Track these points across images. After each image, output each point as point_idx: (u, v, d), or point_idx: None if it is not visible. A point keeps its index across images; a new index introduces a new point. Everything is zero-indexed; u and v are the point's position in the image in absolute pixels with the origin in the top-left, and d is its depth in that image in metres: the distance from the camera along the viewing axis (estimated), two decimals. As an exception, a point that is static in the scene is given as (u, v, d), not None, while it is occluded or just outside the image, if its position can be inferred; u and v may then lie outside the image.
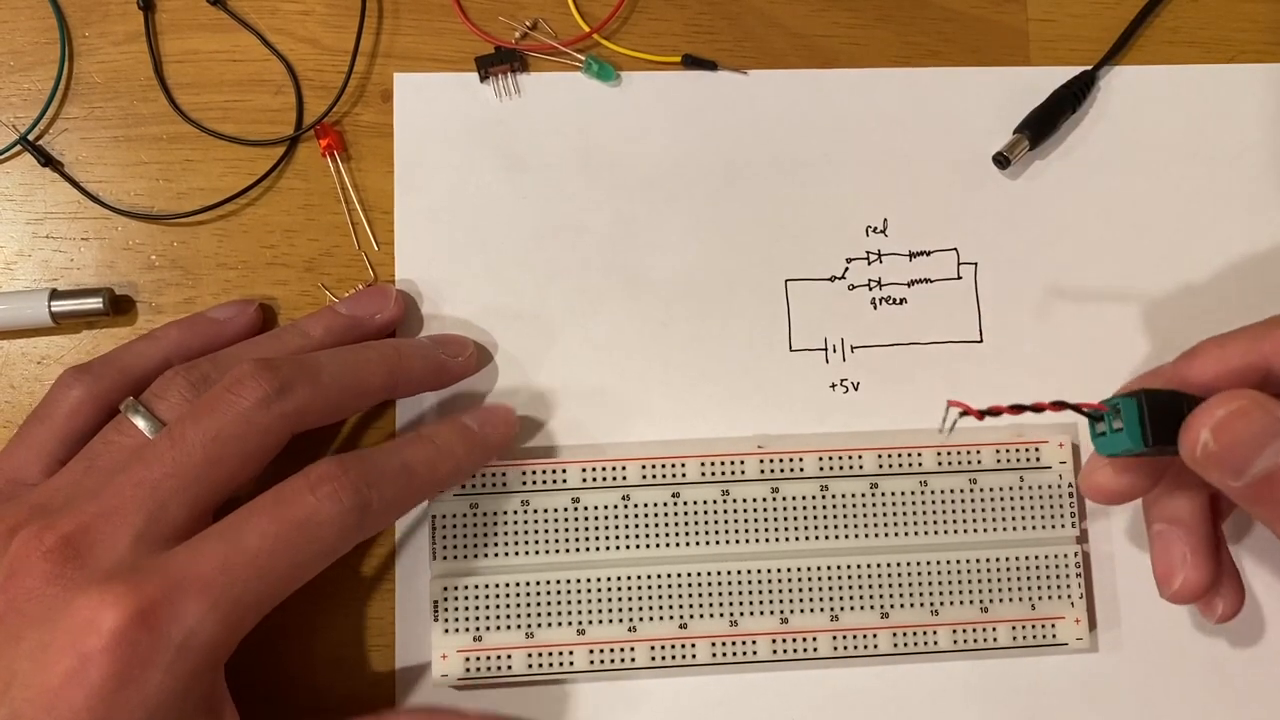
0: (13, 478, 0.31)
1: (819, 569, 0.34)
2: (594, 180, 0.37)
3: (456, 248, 0.37)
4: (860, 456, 0.35)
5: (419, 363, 0.33)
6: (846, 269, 0.37)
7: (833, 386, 0.37)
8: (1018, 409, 0.27)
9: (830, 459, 0.35)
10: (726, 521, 0.34)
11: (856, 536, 0.35)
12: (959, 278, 0.37)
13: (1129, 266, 0.38)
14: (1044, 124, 0.38)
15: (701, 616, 0.34)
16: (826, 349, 0.37)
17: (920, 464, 0.35)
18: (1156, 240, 0.38)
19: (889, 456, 0.35)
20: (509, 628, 0.33)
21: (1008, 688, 0.35)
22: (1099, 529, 0.36)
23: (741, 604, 0.34)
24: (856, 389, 0.37)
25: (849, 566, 0.34)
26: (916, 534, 0.35)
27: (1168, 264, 0.38)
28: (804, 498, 0.35)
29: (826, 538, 0.34)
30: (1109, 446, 0.28)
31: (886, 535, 0.35)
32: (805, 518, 0.34)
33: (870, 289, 0.37)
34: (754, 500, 0.34)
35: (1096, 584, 0.36)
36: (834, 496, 0.35)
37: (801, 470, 0.35)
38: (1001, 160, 0.37)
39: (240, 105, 0.37)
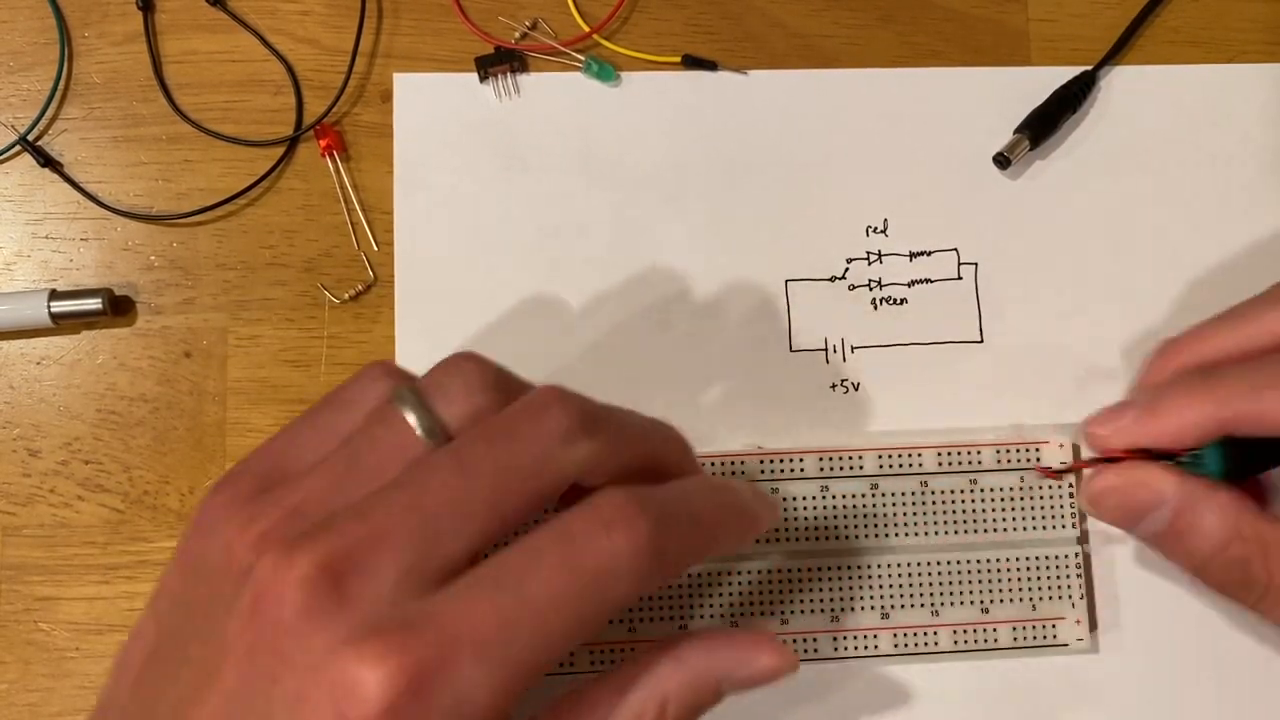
0: (280, 464, 0.27)
1: (819, 570, 0.34)
2: (594, 181, 0.37)
3: (456, 248, 0.37)
4: (860, 457, 0.35)
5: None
6: (847, 269, 0.37)
7: (833, 387, 0.37)
8: (1094, 462, 0.32)
9: (830, 459, 0.35)
10: None
11: (857, 537, 0.34)
12: (959, 278, 0.37)
13: (1129, 266, 0.38)
14: (1044, 124, 0.38)
15: (701, 618, 0.34)
16: (827, 349, 0.37)
17: (921, 464, 0.35)
18: (1157, 240, 0.38)
19: (889, 457, 0.35)
20: None
21: (1009, 689, 0.35)
22: (1100, 530, 0.36)
23: (741, 606, 0.34)
24: (857, 389, 0.37)
25: (849, 567, 0.34)
26: (917, 535, 0.35)
27: (1168, 264, 0.38)
28: (804, 498, 0.34)
29: (827, 538, 0.34)
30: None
31: (887, 536, 0.35)
32: (805, 518, 0.34)
33: (871, 289, 0.37)
34: None
35: (1097, 585, 0.36)
36: (834, 497, 0.35)
37: (802, 471, 0.35)
38: (1002, 160, 0.37)
39: (240, 105, 0.37)
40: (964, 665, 0.35)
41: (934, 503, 0.35)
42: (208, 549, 0.25)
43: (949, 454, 0.35)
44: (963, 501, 0.35)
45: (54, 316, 0.35)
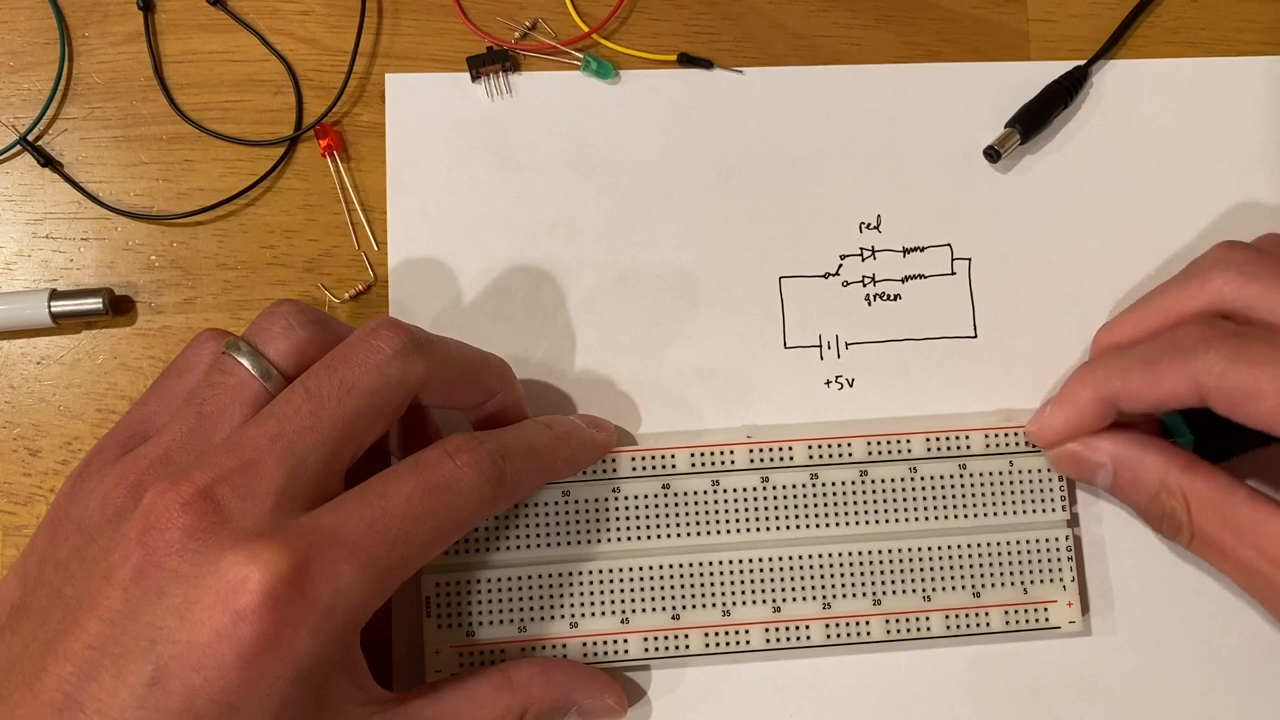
0: (139, 430, 0.30)
1: (810, 557, 0.34)
2: (587, 178, 0.37)
3: (449, 247, 0.37)
4: (850, 444, 0.35)
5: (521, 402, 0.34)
6: (840, 265, 0.37)
7: (827, 383, 0.37)
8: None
9: (820, 447, 0.35)
10: (717, 512, 0.34)
11: (847, 524, 0.35)
12: (953, 273, 0.38)
13: (1122, 260, 0.38)
14: (1036, 118, 0.38)
15: (694, 607, 0.34)
16: (821, 346, 0.37)
17: (910, 450, 0.35)
18: (1149, 233, 0.38)
19: (878, 444, 0.35)
20: (501, 622, 0.33)
21: (1002, 674, 0.35)
22: (1090, 513, 0.36)
23: (734, 594, 0.34)
24: (851, 385, 0.37)
25: (840, 554, 0.34)
26: (907, 520, 0.35)
27: (1161, 257, 0.38)
28: (794, 486, 0.35)
29: (817, 526, 0.35)
30: None
31: (877, 522, 0.35)
32: (796, 506, 0.35)
33: (864, 285, 0.37)
34: (744, 490, 0.35)
35: (1088, 568, 0.36)
36: (824, 485, 0.35)
37: (791, 459, 0.35)
38: (992, 154, 0.38)
39: (240, 105, 0.38)
40: (957, 651, 0.35)
41: (924, 488, 0.35)
42: (80, 506, 0.28)
43: (937, 440, 0.35)
44: (952, 487, 0.35)
45: (54, 316, 0.35)
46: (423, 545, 0.28)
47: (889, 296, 0.37)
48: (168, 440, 0.28)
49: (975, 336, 0.37)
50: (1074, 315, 0.38)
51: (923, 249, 0.38)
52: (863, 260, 0.38)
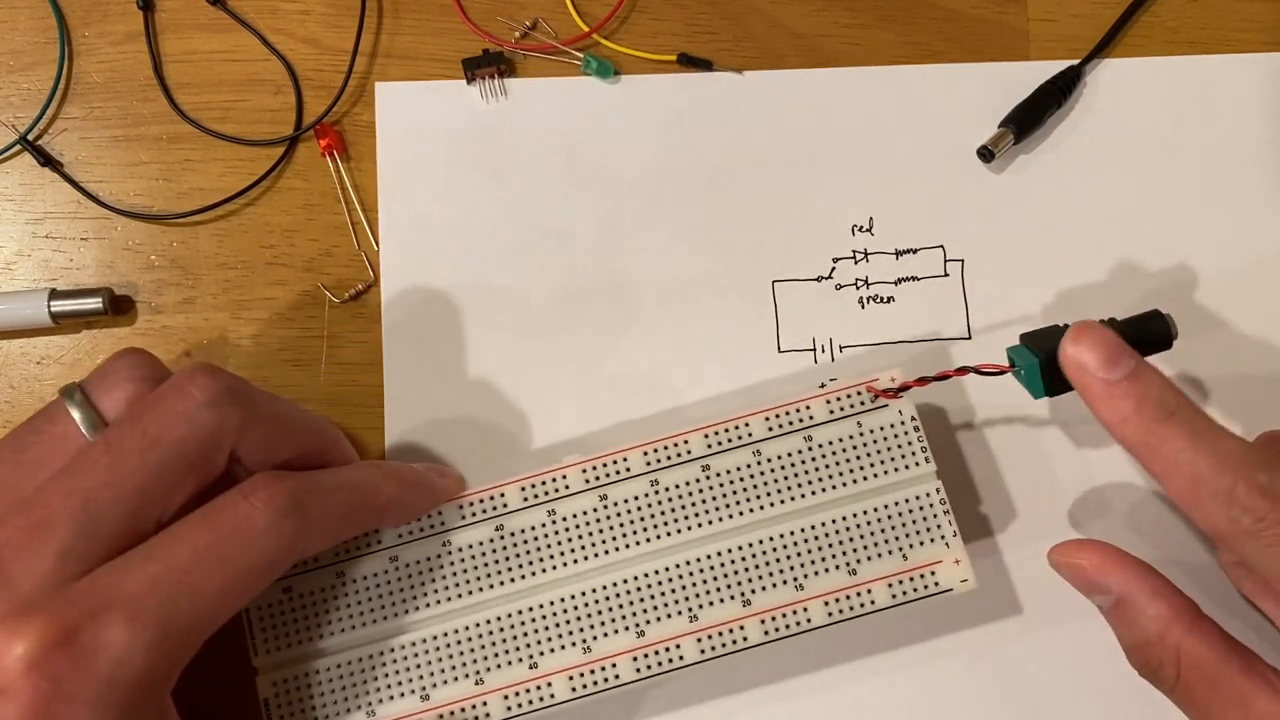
0: None
1: (665, 570, 0.32)
2: (580, 184, 0.38)
3: (442, 255, 0.37)
4: (686, 441, 0.33)
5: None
6: (833, 269, 0.38)
7: (822, 387, 0.37)
8: (924, 380, 0.33)
9: (655, 451, 0.33)
10: (559, 543, 0.32)
11: (699, 525, 0.32)
12: (946, 275, 0.38)
13: (1116, 260, 0.38)
14: (1029, 118, 0.38)
15: (551, 650, 0.31)
16: (815, 349, 0.37)
17: (750, 434, 0.33)
18: (1143, 233, 0.38)
19: (715, 434, 0.33)
20: (350, 710, 0.31)
21: (1000, 674, 0.35)
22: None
23: (591, 627, 0.32)
24: (846, 387, 0.37)
25: (697, 560, 0.32)
26: (761, 509, 0.32)
27: (1155, 257, 0.38)
28: (635, 498, 0.32)
29: (668, 534, 0.32)
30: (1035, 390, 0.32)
31: (730, 517, 0.32)
32: (641, 519, 0.32)
33: (857, 288, 0.38)
34: (583, 514, 0.32)
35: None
36: (666, 490, 0.32)
37: (628, 470, 0.33)
38: (986, 154, 0.38)
39: (240, 105, 0.38)
40: (955, 651, 0.35)
41: (772, 471, 0.33)
42: None
43: (777, 417, 0.33)
44: (802, 462, 0.33)
45: (54, 316, 0.35)
46: (215, 597, 0.26)
47: (882, 299, 0.38)
48: None
49: (969, 338, 0.38)
50: (1068, 316, 0.37)
51: (915, 251, 0.38)
52: (855, 263, 0.38)
